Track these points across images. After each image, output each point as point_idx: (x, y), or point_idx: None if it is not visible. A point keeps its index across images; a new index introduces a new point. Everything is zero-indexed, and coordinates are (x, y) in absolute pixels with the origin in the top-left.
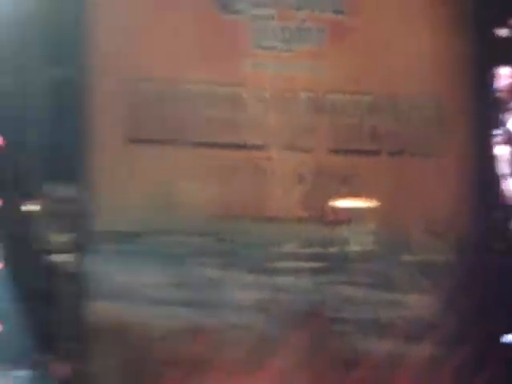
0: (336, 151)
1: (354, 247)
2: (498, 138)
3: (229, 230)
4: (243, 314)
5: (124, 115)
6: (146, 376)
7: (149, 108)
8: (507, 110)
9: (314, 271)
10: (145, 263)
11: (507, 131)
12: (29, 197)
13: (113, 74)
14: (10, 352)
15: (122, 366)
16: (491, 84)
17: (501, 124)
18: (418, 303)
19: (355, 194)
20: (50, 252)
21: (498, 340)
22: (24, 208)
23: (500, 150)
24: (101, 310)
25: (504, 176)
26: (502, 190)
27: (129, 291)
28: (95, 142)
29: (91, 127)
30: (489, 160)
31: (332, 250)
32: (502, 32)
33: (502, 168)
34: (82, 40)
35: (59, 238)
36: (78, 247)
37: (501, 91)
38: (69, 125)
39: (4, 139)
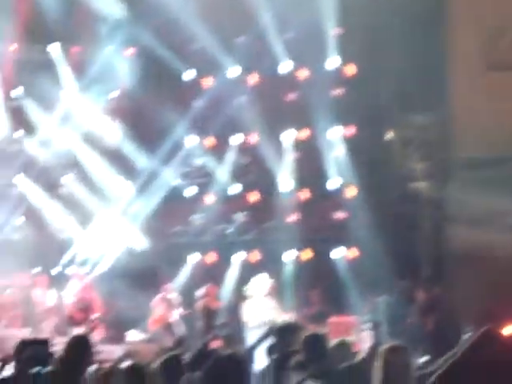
0: None
1: None
2: None
3: None
4: None
5: (483, 43)
6: (505, 300)
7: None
8: None
9: None
10: (504, 190)
11: None
12: (388, 125)
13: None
14: (370, 277)
15: (482, 291)
16: None
17: None
18: None
19: None
20: (410, 179)
21: None
22: (383, 137)
23: None
24: (460, 235)
25: None
26: None
27: (487, 217)
28: (454, 70)
29: (451, 55)
30: None
31: None
32: None
33: None
34: None
35: (419, 165)
36: (437, 174)
37: None
38: (427, 53)
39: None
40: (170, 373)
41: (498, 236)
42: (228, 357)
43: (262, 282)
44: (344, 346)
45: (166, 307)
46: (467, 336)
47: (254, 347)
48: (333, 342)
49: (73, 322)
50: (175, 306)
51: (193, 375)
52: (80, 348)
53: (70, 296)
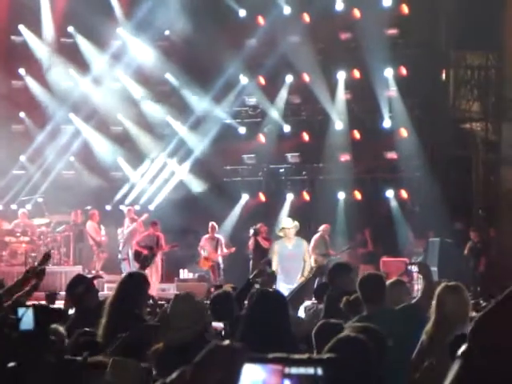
0: None
1: None
2: None
3: None
4: None
5: None
6: None
7: None
8: None
9: None
10: None
11: None
12: (442, 66)
13: None
14: (422, 219)
15: None
16: None
17: None
18: None
19: None
20: (464, 120)
21: None
22: (437, 77)
23: None
24: None
25: None
26: None
27: None
28: (510, 8)
29: None
30: None
31: None
32: None
33: None
34: None
35: (473, 106)
36: (492, 115)
37: None
38: None
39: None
40: (220, 309)
41: None
42: (272, 293)
43: (290, 223)
44: (400, 286)
45: (214, 246)
46: None
47: (305, 286)
48: (388, 282)
49: (139, 258)
50: (223, 244)
51: (240, 311)
52: (138, 283)
53: (123, 233)
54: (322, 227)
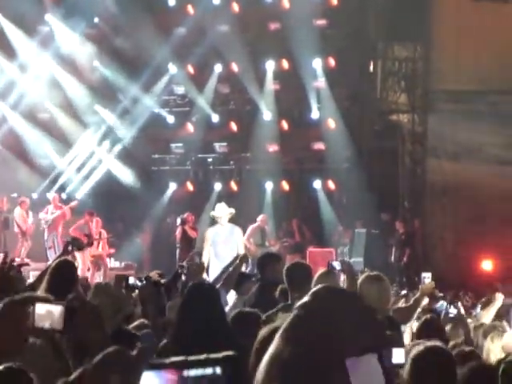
0: None
1: None
2: None
3: None
4: None
5: None
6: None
7: None
8: None
9: None
10: (483, 123)
11: None
12: (370, 57)
13: None
14: (349, 210)
15: (460, 224)
16: None
17: None
18: None
19: None
20: (391, 112)
21: None
22: (365, 68)
23: None
24: (440, 168)
25: None
26: None
27: (468, 150)
28: (438, 1)
29: None
30: None
31: None
32: None
33: None
34: None
35: (399, 97)
36: (418, 107)
37: None
38: None
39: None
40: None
41: (476, 169)
42: (203, 284)
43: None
44: (329, 277)
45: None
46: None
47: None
48: (318, 273)
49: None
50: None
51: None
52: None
53: (46, 219)
54: (260, 217)
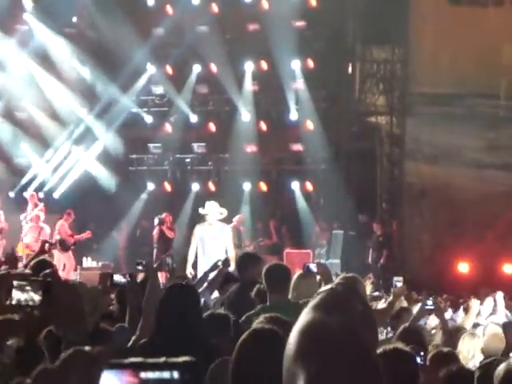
0: None
1: None
2: None
3: None
4: None
5: None
6: (459, 235)
7: None
8: None
9: None
10: (461, 126)
11: None
12: (348, 59)
13: None
14: (326, 211)
15: (438, 226)
16: None
17: None
18: None
19: None
20: (369, 114)
21: None
22: (343, 70)
23: None
24: (418, 171)
25: None
26: None
27: (446, 153)
28: (417, 5)
29: None
30: None
31: None
32: None
33: None
34: None
35: (377, 99)
36: (396, 109)
37: None
38: None
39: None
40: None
41: (454, 172)
42: (182, 286)
43: (215, 207)
44: (308, 279)
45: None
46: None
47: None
48: (296, 274)
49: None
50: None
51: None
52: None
53: (25, 219)
54: (235, 218)
